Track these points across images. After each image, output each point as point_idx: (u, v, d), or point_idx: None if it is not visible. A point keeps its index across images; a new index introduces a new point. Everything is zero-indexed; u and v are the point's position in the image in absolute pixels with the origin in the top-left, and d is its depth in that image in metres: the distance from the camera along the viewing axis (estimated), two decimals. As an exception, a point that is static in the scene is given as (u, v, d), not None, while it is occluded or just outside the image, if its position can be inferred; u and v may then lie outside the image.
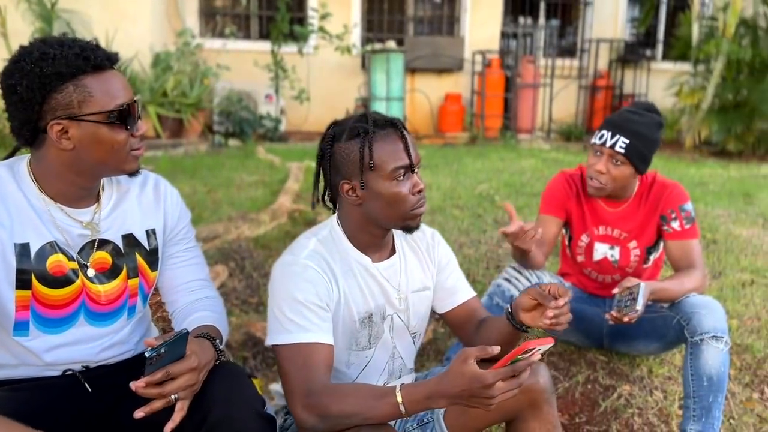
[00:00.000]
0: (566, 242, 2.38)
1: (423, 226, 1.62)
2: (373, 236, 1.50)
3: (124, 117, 1.27)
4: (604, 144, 2.08)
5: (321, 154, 1.47)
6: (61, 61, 1.21)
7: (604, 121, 2.14)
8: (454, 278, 1.66)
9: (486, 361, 1.18)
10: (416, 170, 1.45)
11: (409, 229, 1.48)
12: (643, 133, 2.07)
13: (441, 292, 1.65)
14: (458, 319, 1.65)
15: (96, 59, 1.24)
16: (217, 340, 1.31)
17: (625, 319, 1.88)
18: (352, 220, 1.49)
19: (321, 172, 1.49)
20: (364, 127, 1.41)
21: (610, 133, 2.08)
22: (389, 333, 1.56)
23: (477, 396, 1.16)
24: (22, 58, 1.22)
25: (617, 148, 2.05)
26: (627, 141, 2.04)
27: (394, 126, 1.43)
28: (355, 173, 1.40)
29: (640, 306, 1.86)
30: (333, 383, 1.36)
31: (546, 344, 1.15)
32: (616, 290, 1.98)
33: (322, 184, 1.51)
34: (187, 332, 1.17)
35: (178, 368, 1.15)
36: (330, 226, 1.52)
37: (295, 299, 1.37)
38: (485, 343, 1.27)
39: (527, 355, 1.15)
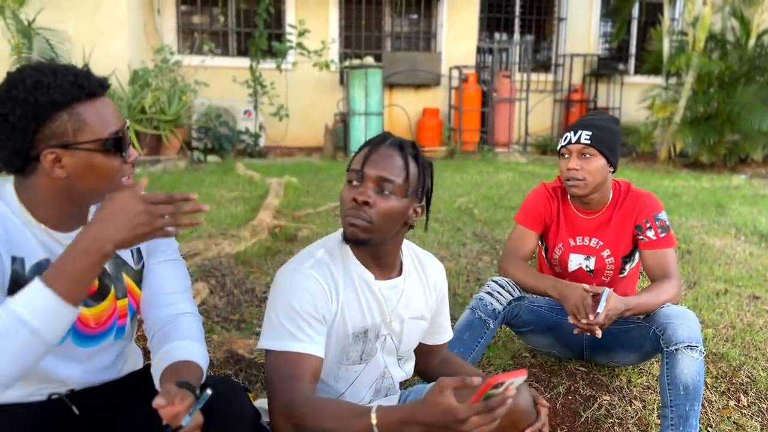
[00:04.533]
0: (543, 254, 2.41)
1: (433, 259, 1.67)
2: (373, 250, 1.48)
3: (118, 144, 1.26)
4: (569, 143, 2.17)
5: None
6: (56, 90, 1.19)
7: (564, 129, 2.22)
8: (444, 317, 1.72)
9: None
10: (372, 184, 1.41)
11: (345, 238, 1.47)
12: (601, 125, 2.18)
13: (430, 327, 1.68)
14: (425, 349, 1.72)
15: (90, 87, 1.23)
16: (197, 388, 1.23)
17: (583, 321, 1.92)
18: None
19: None
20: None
21: (572, 132, 2.18)
22: (381, 353, 1.56)
23: (450, 428, 1.15)
24: (13, 86, 1.19)
25: (583, 141, 2.14)
26: (590, 132, 2.15)
27: (379, 143, 1.45)
28: None
29: (600, 310, 1.91)
30: (315, 397, 1.36)
31: (518, 377, 1.12)
32: None
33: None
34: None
35: (190, 427, 1.12)
36: (338, 237, 1.52)
37: (291, 307, 1.38)
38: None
39: (500, 389, 1.12)
